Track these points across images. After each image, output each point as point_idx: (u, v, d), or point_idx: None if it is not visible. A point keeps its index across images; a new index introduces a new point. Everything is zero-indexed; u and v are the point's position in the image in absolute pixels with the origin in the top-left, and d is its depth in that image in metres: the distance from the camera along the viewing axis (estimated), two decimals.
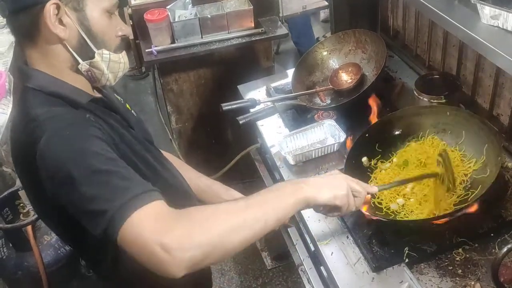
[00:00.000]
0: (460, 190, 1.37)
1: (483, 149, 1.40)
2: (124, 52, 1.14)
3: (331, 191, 1.08)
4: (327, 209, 1.12)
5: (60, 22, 1.02)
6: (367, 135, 1.55)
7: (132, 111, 1.31)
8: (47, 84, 1.06)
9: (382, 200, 1.42)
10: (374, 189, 1.23)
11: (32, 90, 1.05)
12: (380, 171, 1.52)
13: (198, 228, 0.89)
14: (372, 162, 1.54)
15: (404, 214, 1.37)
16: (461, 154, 1.45)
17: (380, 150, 1.56)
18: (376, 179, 1.50)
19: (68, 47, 1.05)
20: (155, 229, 0.87)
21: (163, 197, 0.94)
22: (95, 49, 1.07)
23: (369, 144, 1.55)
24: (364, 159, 1.54)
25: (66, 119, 1.01)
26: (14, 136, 1.09)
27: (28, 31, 1.03)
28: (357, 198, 1.15)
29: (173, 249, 0.85)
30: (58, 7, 1.00)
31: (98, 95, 1.17)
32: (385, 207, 1.40)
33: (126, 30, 1.13)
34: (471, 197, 1.32)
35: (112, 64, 1.11)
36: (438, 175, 1.33)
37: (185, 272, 0.87)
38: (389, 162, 1.53)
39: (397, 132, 1.57)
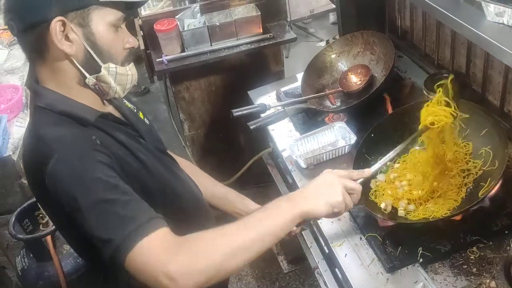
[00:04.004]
0: (470, 183, 1.36)
1: (489, 140, 1.37)
2: (131, 64, 1.15)
3: (327, 202, 1.08)
4: (326, 216, 1.12)
5: (67, 38, 1.04)
6: (372, 135, 1.55)
7: (145, 119, 1.32)
8: (56, 103, 1.08)
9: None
10: (367, 173, 1.20)
11: (43, 110, 1.07)
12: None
13: (200, 255, 0.95)
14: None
15: (413, 215, 1.36)
16: (467, 150, 1.43)
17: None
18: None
19: (75, 62, 1.06)
20: (159, 258, 0.92)
21: (167, 223, 0.98)
22: (101, 63, 1.08)
23: (375, 145, 1.54)
24: None
25: (71, 142, 1.03)
26: (24, 154, 1.12)
27: (37, 48, 1.06)
28: (353, 195, 1.14)
29: (178, 278, 0.91)
30: (63, 24, 1.02)
31: (107, 109, 1.19)
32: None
33: (134, 42, 1.13)
34: (482, 191, 1.29)
35: (119, 76, 1.11)
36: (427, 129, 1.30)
37: None
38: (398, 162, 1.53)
39: (403, 129, 1.53)
